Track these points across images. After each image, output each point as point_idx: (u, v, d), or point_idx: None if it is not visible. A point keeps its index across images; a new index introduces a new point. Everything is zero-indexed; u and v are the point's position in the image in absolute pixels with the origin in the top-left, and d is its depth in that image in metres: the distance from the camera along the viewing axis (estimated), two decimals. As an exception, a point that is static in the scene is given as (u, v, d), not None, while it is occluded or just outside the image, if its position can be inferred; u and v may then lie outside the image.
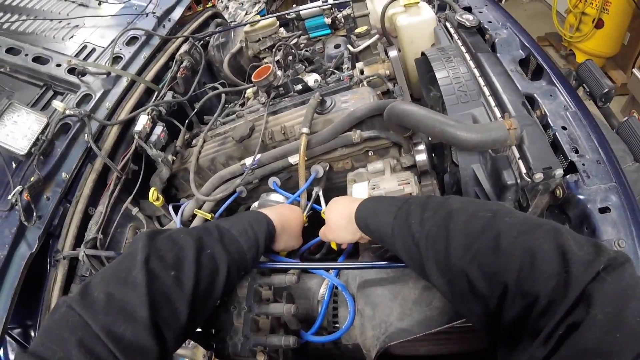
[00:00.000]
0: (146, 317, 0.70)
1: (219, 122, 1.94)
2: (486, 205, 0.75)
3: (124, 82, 1.76)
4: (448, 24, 1.82)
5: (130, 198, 1.58)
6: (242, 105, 2.17)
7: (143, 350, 0.68)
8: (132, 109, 1.74)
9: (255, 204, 1.52)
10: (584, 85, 1.39)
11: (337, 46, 2.37)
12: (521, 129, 1.04)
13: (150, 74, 1.89)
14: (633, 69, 3.21)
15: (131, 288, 0.73)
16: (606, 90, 1.30)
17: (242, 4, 3.78)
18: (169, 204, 1.73)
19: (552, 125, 1.15)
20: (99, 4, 2.07)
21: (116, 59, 1.82)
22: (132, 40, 1.92)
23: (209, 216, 1.55)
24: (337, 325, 1.10)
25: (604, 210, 0.95)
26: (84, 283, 0.76)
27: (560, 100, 1.21)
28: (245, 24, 2.33)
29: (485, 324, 0.68)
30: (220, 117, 1.97)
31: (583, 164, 1.03)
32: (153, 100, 1.86)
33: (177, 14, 2.17)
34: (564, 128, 1.12)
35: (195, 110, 2.07)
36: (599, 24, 3.69)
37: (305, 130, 1.40)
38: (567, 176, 1.03)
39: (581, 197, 0.98)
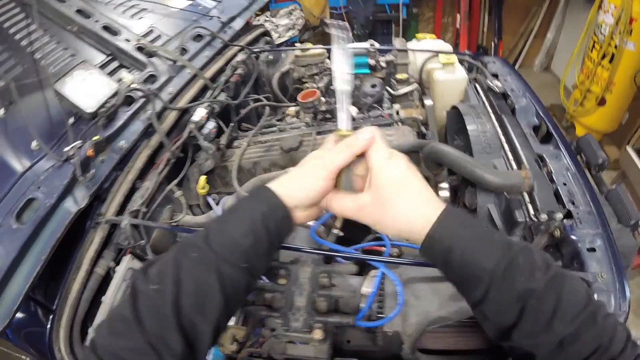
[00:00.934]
0: (138, 332, 0.58)
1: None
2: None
3: (186, 73, 1.66)
4: (477, 86, 1.94)
5: (177, 180, 1.45)
6: (280, 120, 2.09)
7: None
8: (190, 100, 1.63)
9: None
10: (582, 154, 1.48)
11: (373, 85, 2.37)
12: (533, 180, 1.18)
13: (208, 73, 1.78)
14: (627, 147, 3.23)
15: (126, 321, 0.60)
16: (601, 161, 1.40)
17: (277, 27, 3.77)
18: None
19: (555, 180, 1.27)
20: (170, -6, 1.98)
21: (182, 50, 1.72)
22: (198, 37, 1.84)
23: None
24: (381, 315, 1.05)
25: (591, 249, 1.08)
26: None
27: (563, 163, 1.34)
28: (297, 49, 2.28)
29: None
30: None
31: (577, 213, 1.15)
32: (207, 97, 1.76)
33: (238, 24, 2.11)
34: (564, 184, 1.25)
35: (240, 115, 1.99)
36: (601, 102, 3.65)
37: None
38: (565, 220, 1.14)
39: (574, 237, 1.10)
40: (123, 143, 1.32)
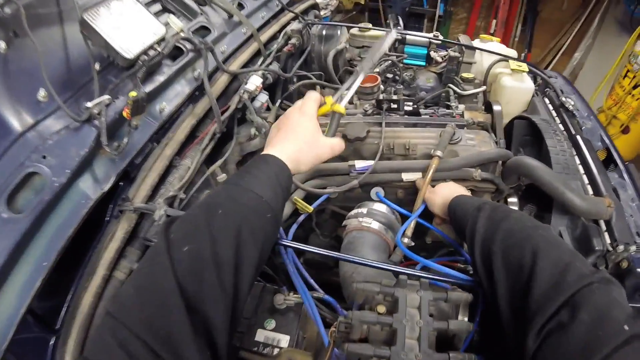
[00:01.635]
0: (178, 296, 0.50)
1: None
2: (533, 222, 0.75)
3: (241, 32, 1.25)
4: (547, 100, 1.74)
5: (221, 160, 1.06)
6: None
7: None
8: (243, 64, 1.22)
9: (361, 209, 1.14)
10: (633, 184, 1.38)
11: (428, 80, 2.07)
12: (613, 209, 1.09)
13: (263, 37, 1.38)
14: None
15: (160, 276, 0.53)
16: None
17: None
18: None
19: (625, 211, 1.18)
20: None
21: (239, 5, 1.30)
22: (256, -6, 1.41)
23: (310, 209, 1.07)
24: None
25: None
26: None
27: (628, 194, 1.25)
28: (355, 26, 1.90)
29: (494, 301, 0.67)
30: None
31: None
32: (259, 64, 1.36)
33: (295, -12, 1.68)
34: (631, 216, 1.17)
35: (288, 92, 1.63)
36: (625, 130, 3.48)
37: (439, 153, 1.17)
38: (633, 252, 1.06)
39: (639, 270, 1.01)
40: (164, 106, 0.92)
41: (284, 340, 0.91)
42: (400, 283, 0.78)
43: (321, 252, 0.87)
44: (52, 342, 0.68)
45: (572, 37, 4.46)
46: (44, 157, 0.68)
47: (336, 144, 0.88)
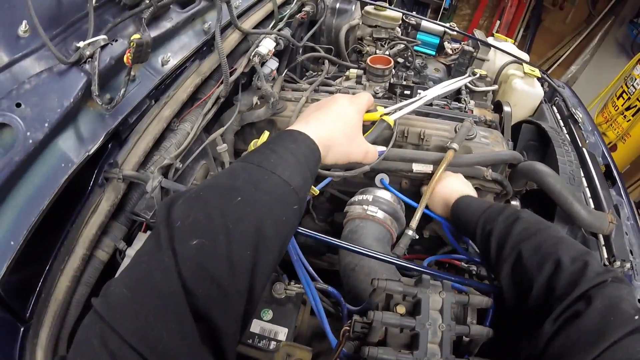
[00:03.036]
0: (183, 301, 0.40)
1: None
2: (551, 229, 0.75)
3: (257, -13, 1.09)
4: (555, 109, 1.73)
5: (223, 129, 0.92)
6: (329, 78, 1.61)
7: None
8: (255, 24, 1.08)
9: (365, 196, 1.06)
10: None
11: (436, 70, 2.00)
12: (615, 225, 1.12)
13: (278, -1, 1.23)
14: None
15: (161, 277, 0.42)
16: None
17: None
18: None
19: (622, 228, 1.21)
20: None
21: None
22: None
23: (316, 191, 0.96)
24: None
25: None
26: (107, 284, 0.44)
27: (625, 212, 1.26)
28: (373, 4, 1.76)
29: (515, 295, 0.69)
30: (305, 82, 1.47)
31: (635, 265, 1.10)
32: (271, 28, 1.21)
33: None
34: (626, 234, 1.19)
35: (296, 62, 1.51)
36: (612, 148, 3.53)
37: (455, 146, 1.11)
38: (627, 269, 1.10)
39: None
40: (168, 57, 0.77)
41: (282, 333, 0.83)
42: (423, 283, 0.71)
43: (331, 241, 0.76)
44: (21, 331, 0.54)
45: (571, 51, 4.51)
46: (18, 105, 0.53)
47: (371, 151, 0.81)
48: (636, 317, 0.51)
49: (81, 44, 0.62)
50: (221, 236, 0.46)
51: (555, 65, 4.56)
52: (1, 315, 0.51)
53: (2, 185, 0.49)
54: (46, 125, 0.54)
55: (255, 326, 0.83)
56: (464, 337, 0.70)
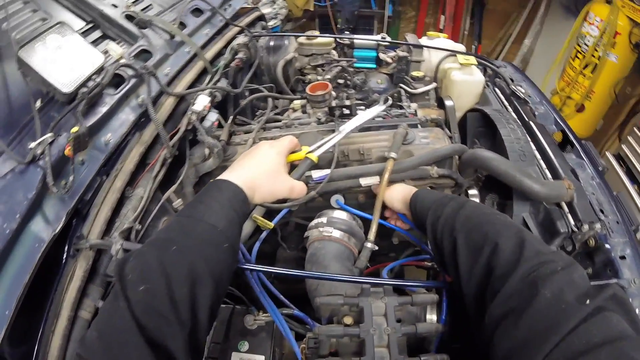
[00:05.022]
0: (137, 334, 0.55)
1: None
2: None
3: (185, 52, 1.30)
4: (498, 90, 1.83)
5: (175, 186, 1.09)
6: (279, 114, 1.77)
7: None
8: (188, 85, 1.27)
9: (321, 219, 1.18)
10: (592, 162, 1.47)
11: (379, 82, 2.15)
12: (574, 190, 1.15)
13: (208, 54, 1.43)
14: (606, 152, 3.35)
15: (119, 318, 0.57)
16: (601, 168, 1.40)
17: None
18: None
19: (585, 190, 1.24)
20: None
21: (180, 24, 1.34)
22: (197, 11, 1.47)
23: (270, 225, 1.12)
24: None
25: (622, 257, 1.07)
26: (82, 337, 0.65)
27: (587, 172, 1.31)
28: (302, 35, 1.97)
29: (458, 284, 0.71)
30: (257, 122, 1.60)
31: (608, 223, 1.14)
32: (207, 83, 1.40)
33: (238, 2, 1.76)
34: (592, 194, 1.23)
35: (240, 107, 1.67)
36: (580, 109, 3.71)
37: (393, 155, 1.20)
38: (598, 230, 1.12)
39: (608, 246, 1.08)
40: (109, 137, 0.95)
41: None
42: (364, 292, 0.81)
43: (283, 272, 0.91)
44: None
45: (521, 26, 4.72)
46: None
47: (297, 187, 0.96)
48: (588, 302, 0.52)
49: (32, 144, 0.80)
50: (162, 279, 0.60)
51: (509, 43, 4.76)
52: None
53: None
54: (17, 216, 0.71)
55: (235, 358, 0.94)
56: (418, 335, 0.77)
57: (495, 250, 0.65)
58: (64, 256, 0.82)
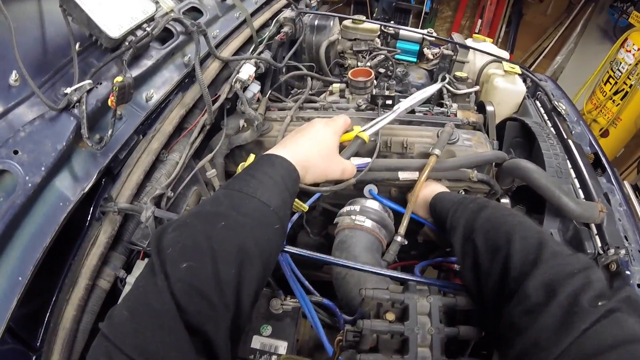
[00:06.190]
0: (176, 317, 0.46)
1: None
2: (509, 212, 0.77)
3: (234, 17, 1.18)
4: (538, 103, 1.77)
5: (211, 155, 0.98)
6: (313, 95, 1.68)
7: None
8: (235, 51, 1.15)
9: (353, 206, 1.11)
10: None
11: (419, 77, 2.05)
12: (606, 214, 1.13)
13: (255, 23, 1.30)
14: (624, 182, 3.25)
15: (155, 297, 0.48)
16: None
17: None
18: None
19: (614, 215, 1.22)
20: None
21: (231, -14, 1.21)
22: (248, -23, 1.33)
23: (305, 207, 1.02)
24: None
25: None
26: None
27: (616, 198, 1.28)
28: (350, 18, 1.84)
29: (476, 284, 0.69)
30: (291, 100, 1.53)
31: (630, 250, 1.11)
32: (251, 52, 1.28)
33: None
34: (619, 220, 1.20)
35: (279, 82, 1.57)
36: (604, 134, 3.63)
37: (437, 151, 1.15)
38: (622, 255, 1.10)
39: (628, 272, 1.05)
40: (152, 94, 0.84)
41: (282, 346, 0.88)
42: (410, 289, 0.76)
43: (316, 257, 0.81)
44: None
45: (555, 42, 4.59)
46: (16, 152, 0.59)
47: (348, 168, 0.91)
48: (600, 303, 0.50)
49: (68, 90, 0.68)
50: (207, 258, 0.51)
51: (541, 57, 4.64)
52: (14, 346, 0.56)
53: (7, 226, 0.54)
54: (43, 169, 0.60)
55: (256, 342, 0.88)
56: (459, 338, 0.73)
57: (513, 250, 0.62)
58: (88, 218, 0.71)
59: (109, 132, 0.70)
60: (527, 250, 0.60)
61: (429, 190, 1.08)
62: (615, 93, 3.45)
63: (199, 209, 0.61)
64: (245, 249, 0.55)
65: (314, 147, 0.80)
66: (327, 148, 0.83)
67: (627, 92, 3.34)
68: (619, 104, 3.43)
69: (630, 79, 3.31)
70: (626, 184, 3.10)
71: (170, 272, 0.49)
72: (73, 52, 0.73)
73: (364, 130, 1.00)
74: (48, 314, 0.62)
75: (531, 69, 4.63)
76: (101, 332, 0.47)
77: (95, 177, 0.67)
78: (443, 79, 1.43)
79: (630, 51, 3.29)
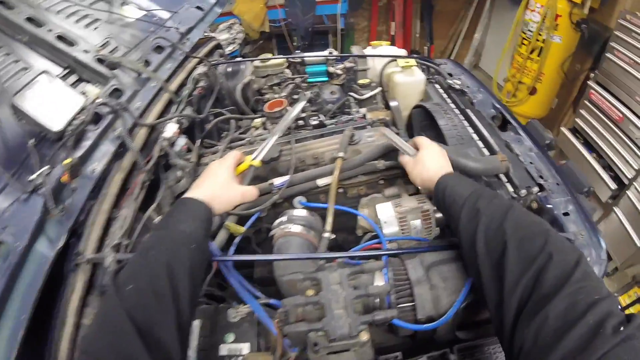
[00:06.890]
0: (130, 324, 0.69)
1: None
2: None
3: (151, 87, 1.48)
4: (437, 85, 2.07)
5: (154, 205, 1.26)
6: (243, 133, 1.95)
7: None
8: (158, 115, 1.45)
9: (282, 218, 1.32)
10: (530, 136, 1.64)
11: (332, 92, 2.36)
12: (509, 162, 1.32)
13: (172, 86, 1.62)
14: (561, 128, 3.54)
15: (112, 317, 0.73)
16: (548, 141, 1.58)
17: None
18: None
19: (523, 161, 1.42)
20: (123, 4, 1.77)
21: (145, 62, 1.53)
22: (158, 48, 1.66)
23: (242, 229, 1.28)
24: (403, 305, 1.02)
25: (566, 214, 1.21)
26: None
27: (526, 145, 1.50)
28: (256, 59, 2.17)
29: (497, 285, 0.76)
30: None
31: (548, 186, 1.29)
32: (173, 112, 1.58)
33: (195, 35, 1.95)
34: (531, 163, 1.39)
35: (206, 130, 1.85)
36: (533, 91, 3.97)
37: (341, 154, 1.36)
38: (539, 193, 1.28)
39: (550, 205, 1.23)
40: (95, 166, 1.13)
41: (245, 348, 1.03)
42: (320, 267, 0.94)
43: (249, 259, 1.11)
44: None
45: (470, 22, 5.05)
46: (4, 227, 0.88)
47: (247, 191, 1.14)
48: (621, 329, 0.56)
49: (32, 177, 0.97)
50: (145, 278, 0.77)
51: (460, 39, 5.12)
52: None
53: (9, 279, 0.83)
54: (26, 235, 0.89)
55: (223, 349, 1.02)
56: (371, 297, 0.86)
57: (548, 264, 0.69)
58: (65, 271, 0.99)
59: (70, 201, 0.98)
60: (563, 266, 0.67)
61: (432, 171, 1.12)
62: (532, 52, 3.79)
63: (138, 248, 0.90)
64: (171, 266, 0.79)
65: (213, 183, 1.07)
66: (224, 180, 1.09)
67: (541, 48, 3.68)
68: (537, 60, 3.77)
69: (541, 35, 3.64)
70: (563, 129, 3.46)
71: (121, 294, 0.73)
72: (30, 147, 1.02)
73: (254, 158, 1.25)
74: (46, 351, 0.87)
75: (454, 53, 5.15)
76: (77, 345, 0.75)
77: (65, 237, 0.96)
78: (304, 97, 1.70)
79: (534, 10, 3.65)
